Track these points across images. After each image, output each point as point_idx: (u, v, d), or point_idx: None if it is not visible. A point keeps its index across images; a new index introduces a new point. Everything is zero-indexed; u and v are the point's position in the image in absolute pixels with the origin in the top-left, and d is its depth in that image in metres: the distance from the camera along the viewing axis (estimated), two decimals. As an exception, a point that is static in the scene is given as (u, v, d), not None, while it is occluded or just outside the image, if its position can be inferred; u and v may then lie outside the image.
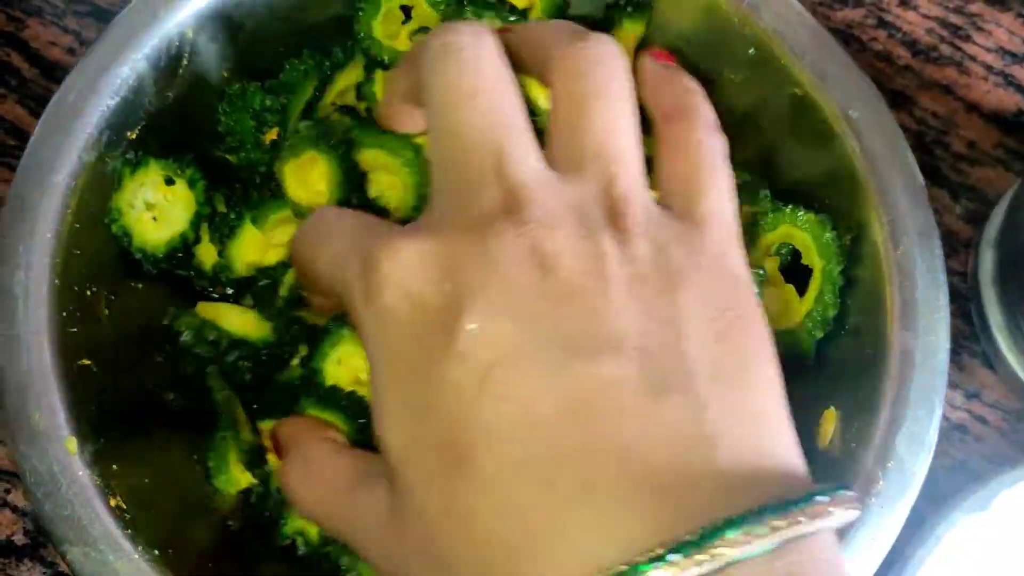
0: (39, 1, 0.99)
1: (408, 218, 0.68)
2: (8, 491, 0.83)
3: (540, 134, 0.57)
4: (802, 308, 0.73)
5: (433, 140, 0.45)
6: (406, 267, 0.39)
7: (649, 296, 0.39)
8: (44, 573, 0.81)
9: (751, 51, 0.77)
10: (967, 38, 0.99)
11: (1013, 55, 0.99)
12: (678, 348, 0.38)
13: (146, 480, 0.66)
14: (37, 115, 0.94)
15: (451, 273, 0.38)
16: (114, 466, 0.64)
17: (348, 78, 0.85)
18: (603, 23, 0.83)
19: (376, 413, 0.41)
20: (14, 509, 0.83)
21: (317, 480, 0.53)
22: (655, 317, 0.38)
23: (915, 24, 1.00)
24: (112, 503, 0.61)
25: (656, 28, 0.82)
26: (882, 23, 1.00)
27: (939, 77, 0.97)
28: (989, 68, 0.98)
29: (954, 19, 1.00)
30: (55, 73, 0.98)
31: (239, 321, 0.72)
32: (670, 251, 0.41)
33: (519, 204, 0.39)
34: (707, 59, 0.80)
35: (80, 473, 0.60)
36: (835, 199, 0.74)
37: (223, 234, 0.78)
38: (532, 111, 0.77)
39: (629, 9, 0.82)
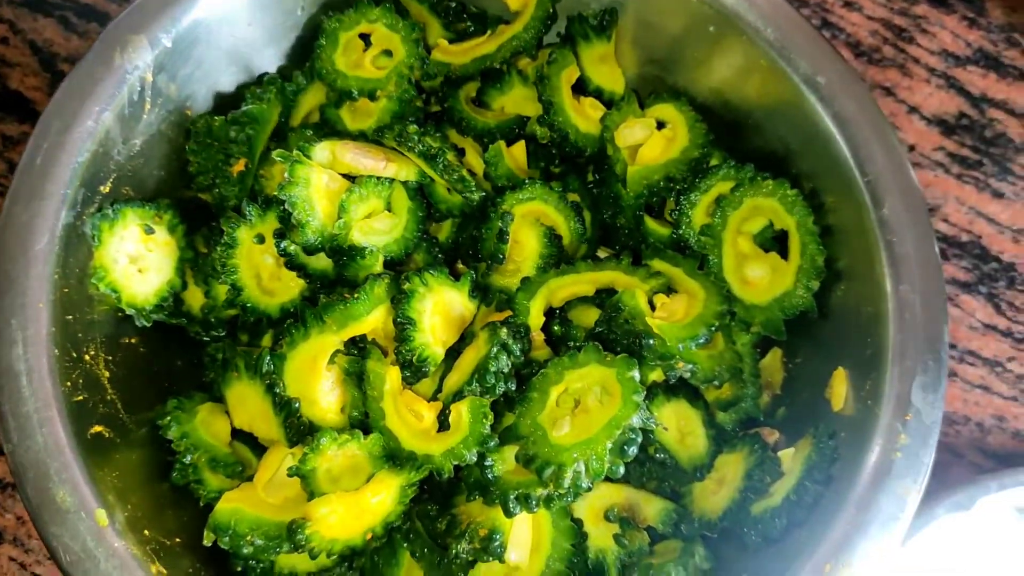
0: (-27, -13, 0.95)
1: None
2: None
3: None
4: (791, 266, 0.75)
5: None
6: None
7: None
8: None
9: (711, 28, 0.78)
10: (911, 40, 0.97)
11: (956, 58, 0.97)
12: None
13: (178, 539, 0.65)
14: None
15: None
16: (146, 531, 0.62)
17: (311, 100, 0.84)
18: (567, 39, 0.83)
19: None
20: None
21: None
22: None
23: (859, 25, 0.98)
24: (154, 570, 0.60)
25: (621, 20, 0.82)
26: (826, 24, 0.99)
27: (881, 79, 0.97)
28: (932, 70, 0.97)
29: (899, 21, 0.98)
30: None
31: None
32: None
33: None
34: (671, 43, 0.81)
35: (116, 545, 0.59)
36: (812, 164, 0.75)
37: (207, 274, 0.77)
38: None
39: (593, 22, 0.83)
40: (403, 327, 0.69)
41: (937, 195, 0.92)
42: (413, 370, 0.69)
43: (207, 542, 0.64)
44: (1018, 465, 0.81)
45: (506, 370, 0.68)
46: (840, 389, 0.69)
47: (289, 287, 0.76)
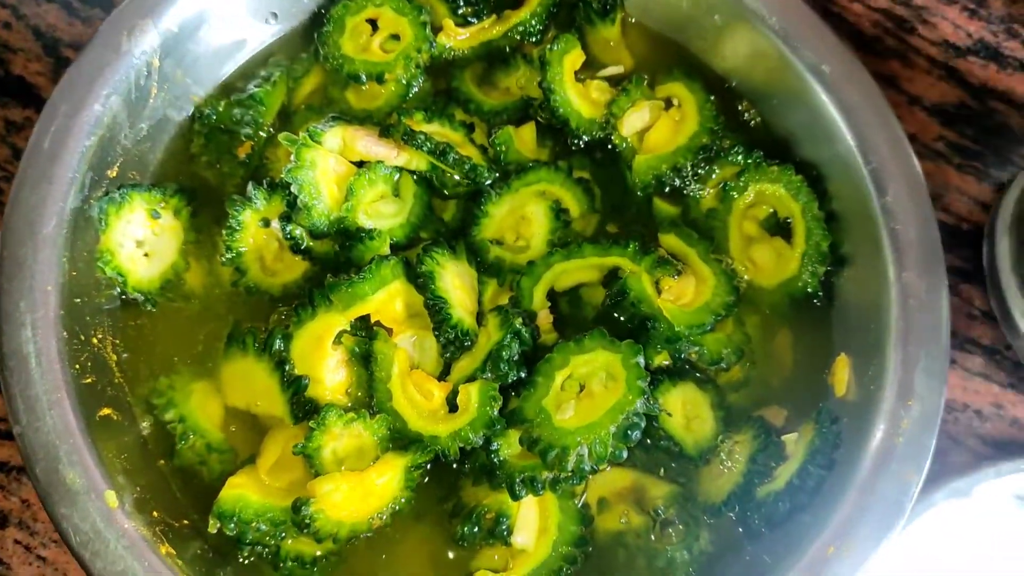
0: (-24, -26, 0.94)
1: None
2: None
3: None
4: (795, 252, 0.76)
5: None
6: None
7: None
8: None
9: (716, 18, 0.78)
10: (912, 31, 0.97)
11: (957, 48, 0.97)
12: None
13: (185, 521, 0.66)
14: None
15: None
16: (154, 513, 0.63)
17: (313, 81, 0.84)
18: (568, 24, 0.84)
19: None
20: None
21: None
22: None
23: (861, 16, 0.98)
24: (163, 551, 0.60)
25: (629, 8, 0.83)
26: (828, 14, 0.98)
27: (883, 69, 0.97)
28: (933, 61, 0.97)
29: (900, 11, 0.98)
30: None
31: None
32: None
33: None
34: (676, 31, 0.82)
35: (126, 526, 0.59)
36: (817, 151, 0.76)
37: (209, 254, 0.77)
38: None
39: (596, 6, 0.83)
40: (438, 308, 0.69)
41: (938, 185, 0.92)
42: (457, 345, 0.70)
43: (212, 530, 0.64)
44: (1016, 453, 0.82)
45: (517, 357, 0.69)
46: (842, 375, 0.70)
47: (292, 268, 0.76)
